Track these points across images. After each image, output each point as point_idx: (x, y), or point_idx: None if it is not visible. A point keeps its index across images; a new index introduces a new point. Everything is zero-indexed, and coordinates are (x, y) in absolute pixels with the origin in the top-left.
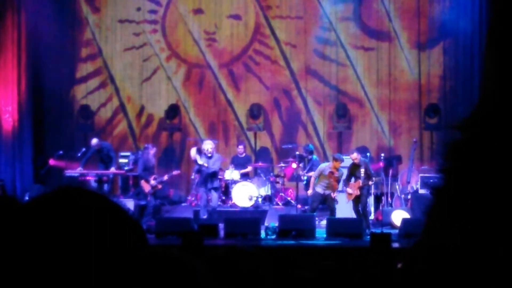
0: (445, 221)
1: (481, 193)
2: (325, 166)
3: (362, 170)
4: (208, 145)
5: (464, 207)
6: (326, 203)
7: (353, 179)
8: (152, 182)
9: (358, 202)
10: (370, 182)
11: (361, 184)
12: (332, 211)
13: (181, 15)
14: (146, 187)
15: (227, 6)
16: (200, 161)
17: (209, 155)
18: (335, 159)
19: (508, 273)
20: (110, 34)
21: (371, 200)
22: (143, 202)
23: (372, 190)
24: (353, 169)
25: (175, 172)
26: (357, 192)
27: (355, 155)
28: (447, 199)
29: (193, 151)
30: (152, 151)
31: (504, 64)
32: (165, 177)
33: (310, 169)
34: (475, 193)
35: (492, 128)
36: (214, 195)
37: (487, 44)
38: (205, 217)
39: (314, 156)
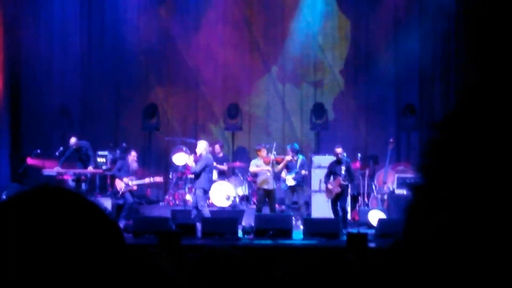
0: (424, 219)
1: (460, 191)
2: (257, 162)
3: (343, 168)
4: (198, 145)
5: (443, 205)
6: (269, 199)
7: (331, 177)
8: (125, 180)
9: (337, 200)
10: (350, 177)
11: (341, 181)
12: (273, 203)
13: (160, 13)
14: (118, 185)
15: (206, 4)
16: (179, 162)
17: (198, 154)
18: (257, 150)
19: (491, 268)
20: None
21: (348, 200)
22: (121, 201)
23: (349, 190)
24: (333, 166)
25: (157, 179)
26: (338, 190)
27: (340, 149)
28: (426, 197)
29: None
30: (130, 156)
31: (482, 64)
32: (146, 180)
33: (301, 168)
34: (454, 191)
35: (471, 127)
36: (196, 195)
37: (466, 44)
38: (193, 216)
39: (301, 156)
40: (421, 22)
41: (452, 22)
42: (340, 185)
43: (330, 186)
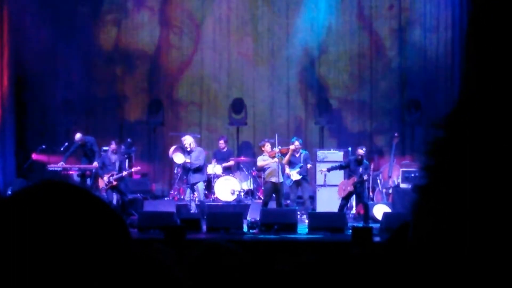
0: (430, 219)
1: (464, 191)
2: (263, 158)
3: (361, 169)
4: (186, 140)
5: (447, 205)
6: (276, 193)
7: (348, 175)
8: (105, 178)
9: (349, 198)
10: (365, 177)
11: (356, 180)
12: (280, 197)
13: (164, 8)
14: (100, 183)
15: (211, 1)
16: (179, 161)
17: (188, 149)
18: (261, 146)
19: (497, 270)
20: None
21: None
22: (130, 197)
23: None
24: (354, 165)
25: (134, 169)
26: (351, 188)
27: (363, 151)
28: (431, 197)
29: (171, 152)
30: (110, 148)
31: (483, 61)
32: (124, 173)
33: (305, 162)
34: (458, 190)
35: (475, 125)
36: (199, 189)
37: (467, 40)
38: (193, 211)
39: (303, 150)
40: (426, 15)
41: (457, 15)
42: (354, 184)
43: (344, 186)
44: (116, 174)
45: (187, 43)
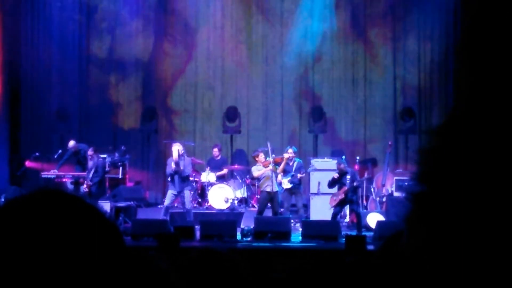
0: (423, 228)
1: (457, 199)
2: (257, 168)
3: (348, 177)
4: (178, 147)
5: (442, 214)
6: (272, 202)
7: (337, 186)
8: (84, 186)
9: (342, 206)
10: (355, 183)
11: (346, 189)
12: (275, 206)
13: (158, 16)
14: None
15: (205, 7)
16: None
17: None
18: (254, 156)
19: (491, 279)
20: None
21: (359, 203)
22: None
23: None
24: (341, 176)
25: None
26: (342, 196)
27: (342, 165)
28: (424, 205)
29: (175, 154)
30: (87, 153)
31: (477, 70)
32: (84, 186)
33: (297, 171)
34: (452, 199)
35: (467, 135)
36: (186, 197)
37: (461, 50)
38: (161, 217)
39: (297, 159)
40: (421, 24)
41: (451, 23)
42: (344, 192)
43: (335, 196)
44: (90, 181)
45: (181, 51)
